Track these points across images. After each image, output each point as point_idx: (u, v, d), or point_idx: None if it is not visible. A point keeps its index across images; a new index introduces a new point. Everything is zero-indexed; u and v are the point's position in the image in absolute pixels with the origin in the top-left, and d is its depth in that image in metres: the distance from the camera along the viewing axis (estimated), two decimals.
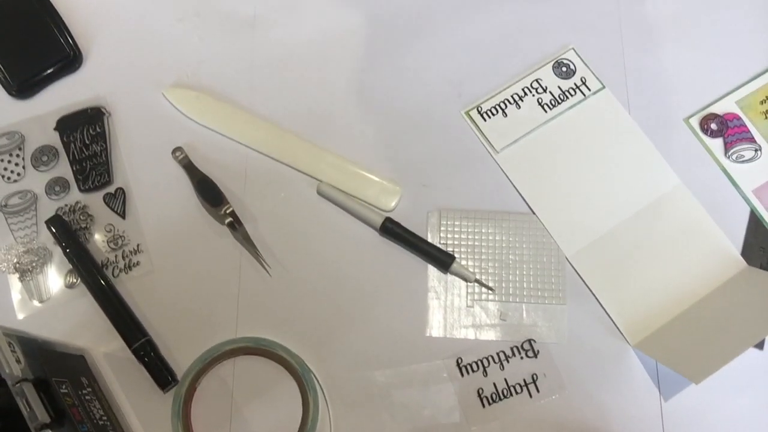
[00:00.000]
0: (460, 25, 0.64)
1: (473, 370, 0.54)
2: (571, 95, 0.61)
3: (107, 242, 0.57)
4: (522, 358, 0.55)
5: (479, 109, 0.61)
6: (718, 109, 0.62)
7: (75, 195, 0.59)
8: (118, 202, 0.58)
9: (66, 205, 0.58)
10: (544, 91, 0.62)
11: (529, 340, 0.55)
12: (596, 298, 0.56)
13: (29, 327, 0.53)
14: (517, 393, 0.54)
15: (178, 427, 0.51)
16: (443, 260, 0.56)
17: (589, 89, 0.62)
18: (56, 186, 0.59)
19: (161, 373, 0.53)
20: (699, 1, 0.65)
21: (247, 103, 0.61)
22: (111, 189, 0.59)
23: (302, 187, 0.59)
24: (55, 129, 0.60)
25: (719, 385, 0.54)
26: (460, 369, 0.54)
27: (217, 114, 0.60)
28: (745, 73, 0.62)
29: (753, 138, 0.61)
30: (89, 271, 0.55)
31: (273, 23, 0.64)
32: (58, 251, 0.56)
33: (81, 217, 0.58)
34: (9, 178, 0.59)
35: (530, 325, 0.56)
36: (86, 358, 0.53)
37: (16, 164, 0.59)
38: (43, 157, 0.59)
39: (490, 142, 0.60)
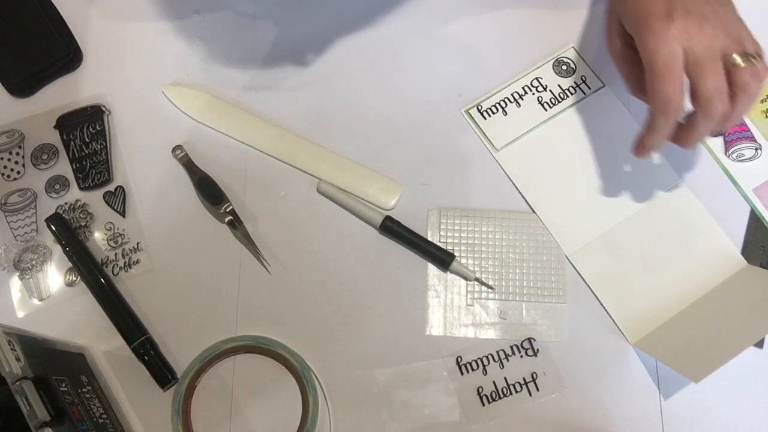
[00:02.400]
0: (460, 23, 0.64)
1: (473, 369, 0.54)
2: (572, 94, 0.61)
3: (107, 240, 0.57)
4: (522, 356, 0.55)
5: (479, 107, 0.61)
6: None
7: (75, 193, 0.59)
8: (117, 200, 0.58)
9: (66, 203, 0.58)
10: (544, 89, 0.61)
11: (529, 339, 0.55)
12: (596, 297, 0.56)
13: (29, 325, 0.53)
14: (516, 392, 0.54)
15: (177, 425, 0.51)
16: (443, 259, 0.56)
17: (590, 88, 0.62)
18: (56, 184, 0.59)
19: (161, 372, 0.53)
20: None
21: (247, 102, 0.61)
22: (111, 187, 0.59)
23: (302, 185, 0.59)
24: (55, 127, 0.60)
25: (719, 384, 0.53)
26: (460, 367, 0.54)
27: (217, 112, 0.60)
28: None
29: (753, 137, 0.61)
30: (89, 269, 0.55)
31: (273, 23, 0.64)
32: (57, 249, 0.56)
33: (81, 215, 0.58)
34: (9, 176, 0.59)
35: (530, 324, 0.56)
36: (86, 357, 0.53)
37: (16, 162, 0.59)
38: (42, 155, 0.59)
39: (490, 141, 0.60)
